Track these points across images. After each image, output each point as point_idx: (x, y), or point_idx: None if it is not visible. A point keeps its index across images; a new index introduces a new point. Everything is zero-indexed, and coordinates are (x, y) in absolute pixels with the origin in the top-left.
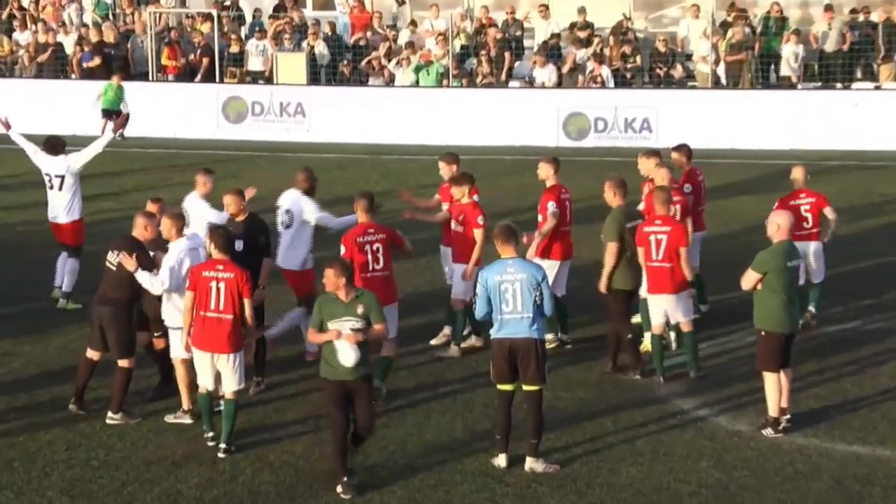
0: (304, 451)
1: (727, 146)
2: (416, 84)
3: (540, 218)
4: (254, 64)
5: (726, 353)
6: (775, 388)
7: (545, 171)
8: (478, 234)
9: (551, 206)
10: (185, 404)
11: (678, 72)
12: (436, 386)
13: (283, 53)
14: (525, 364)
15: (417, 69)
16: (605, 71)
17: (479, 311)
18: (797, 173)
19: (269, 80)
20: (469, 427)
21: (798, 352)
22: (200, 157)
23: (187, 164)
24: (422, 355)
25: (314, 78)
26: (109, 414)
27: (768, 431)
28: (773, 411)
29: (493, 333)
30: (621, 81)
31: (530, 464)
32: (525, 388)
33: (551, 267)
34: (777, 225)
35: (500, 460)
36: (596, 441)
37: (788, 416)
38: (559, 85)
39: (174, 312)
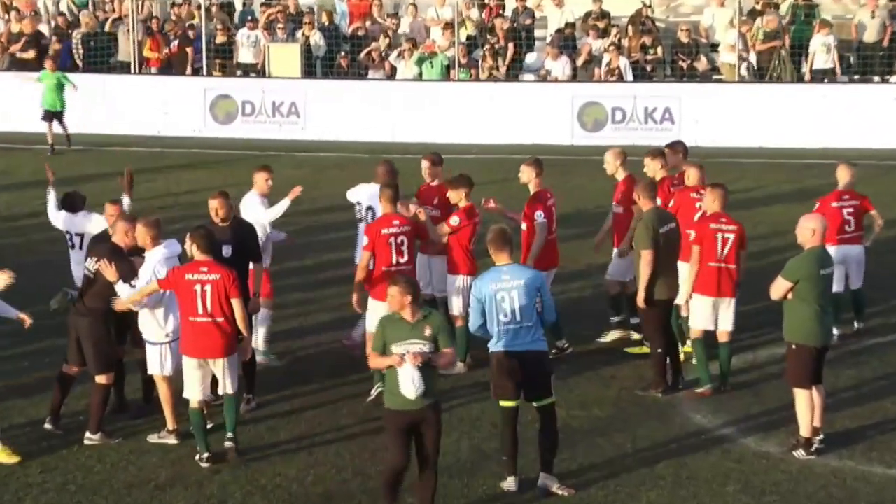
0: (297, 475)
1: (755, 144)
2: (420, 77)
3: (524, 226)
4: (244, 56)
5: (754, 368)
6: (807, 405)
7: (527, 175)
8: (444, 229)
9: (539, 216)
10: (170, 423)
11: (702, 64)
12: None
13: (275, 44)
14: (532, 378)
15: (420, 61)
16: (624, 62)
17: (473, 323)
18: (843, 172)
19: (261, 72)
20: (476, 447)
21: (832, 366)
22: (186, 155)
23: (173, 164)
24: None
25: (309, 71)
26: (87, 434)
27: (800, 453)
28: (804, 431)
29: (492, 346)
30: (641, 74)
31: (544, 479)
32: (536, 404)
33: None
34: (811, 230)
35: (510, 483)
36: (613, 463)
37: (822, 437)
38: (574, 78)
39: (152, 326)
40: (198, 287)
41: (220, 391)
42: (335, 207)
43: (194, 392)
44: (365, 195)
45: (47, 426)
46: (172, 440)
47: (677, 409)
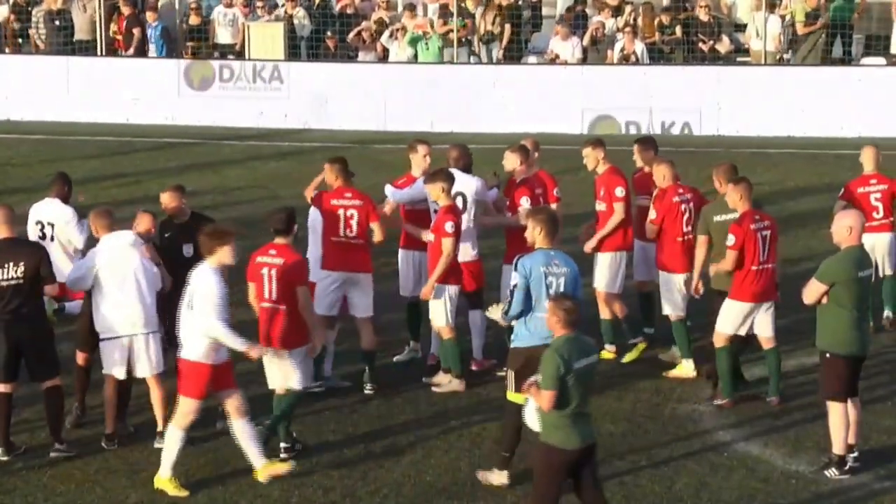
0: (281, 495)
1: (782, 133)
2: (415, 59)
3: (509, 215)
4: (222, 36)
5: (782, 379)
6: (842, 420)
7: (512, 162)
8: (446, 244)
9: (525, 201)
10: (110, 427)
11: (725, 45)
12: (437, 419)
13: (256, 23)
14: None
15: (414, 41)
16: (640, 47)
17: (515, 309)
18: (867, 155)
19: (239, 54)
20: (476, 467)
21: (867, 376)
22: (158, 144)
23: (143, 153)
24: (421, 383)
25: (293, 52)
26: (56, 446)
27: (832, 472)
28: (838, 448)
29: (521, 341)
30: (657, 56)
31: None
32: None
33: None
34: (848, 228)
35: (503, 478)
36: (627, 483)
37: (856, 454)
38: (584, 61)
39: (104, 320)
40: (265, 271)
41: (284, 384)
42: None
43: (274, 380)
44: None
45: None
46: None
47: (697, 423)
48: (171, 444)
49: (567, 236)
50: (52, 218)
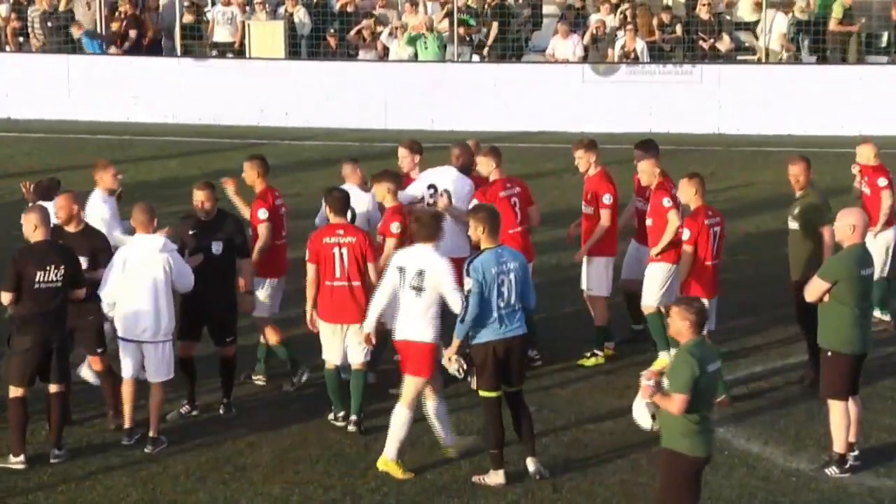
0: (281, 493)
1: (782, 131)
2: (416, 58)
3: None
4: (221, 34)
5: (782, 377)
6: (842, 418)
7: (486, 166)
8: (389, 244)
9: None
10: (128, 422)
11: (725, 44)
12: None
13: (255, 21)
14: (516, 364)
15: (412, 40)
16: (641, 45)
17: (472, 312)
18: (861, 150)
19: (239, 53)
20: (477, 465)
21: (867, 373)
22: (157, 144)
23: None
24: None
25: (294, 51)
26: (55, 451)
27: (833, 470)
28: (839, 446)
29: (481, 337)
30: (658, 55)
31: (533, 464)
32: (510, 390)
33: None
34: (851, 226)
35: (499, 477)
36: (628, 481)
37: (857, 453)
38: (584, 59)
39: (121, 320)
40: (336, 250)
41: (350, 361)
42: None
43: (333, 355)
44: (443, 179)
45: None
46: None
47: None
48: (399, 424)
49: (560, 236)
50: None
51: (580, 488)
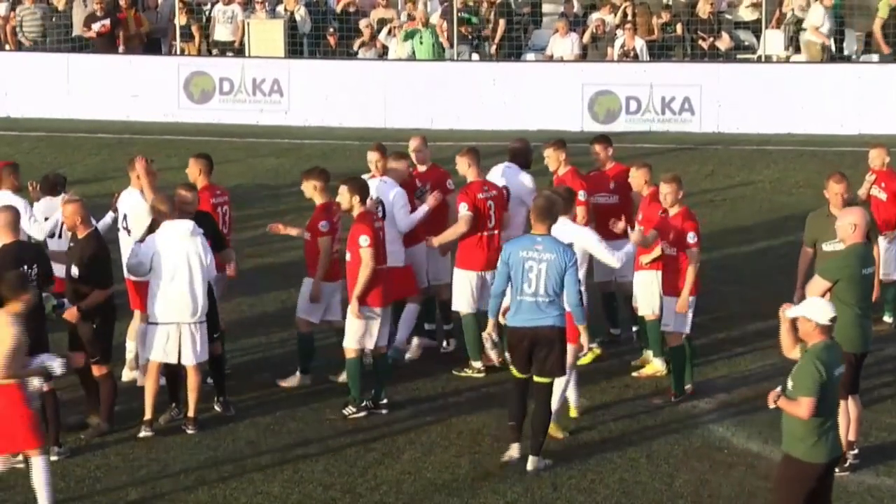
0: (281, 493)
1: (782, 130)
2: (413, 56)
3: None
4: (221, 33)
5: (782, 376)
6: (842, 417)
7: (463, 166)
8: (323, 242)
9: (463, 208)
10: (148, 413)
11: (725, 42)
12: (437, 415)
13: (255, 20)
14: (543, 354)
15: (407, 37)
16: (640, 43)
17: (497, 287)
18: (874, 154)
19: (239, 51)
20: (477, 463)
21: (867, 373)
22: (158, 142)
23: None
24: (421, 377)
25: (294, 49)
26: (55, 449)
27: None
28: None
29: (512, 321)
30: (658, 54)
31: (533, 463)
32: (537, 379)
33: (467, 277)
34: (852, 225)
35: (513, 451)
36: (627, 480)
37: (856, 451)
38: (584, 58)
39: (154, 305)
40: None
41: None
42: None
43: (370, 340)
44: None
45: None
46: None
47: (697, 420)
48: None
49: None
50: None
51: (580, 486)
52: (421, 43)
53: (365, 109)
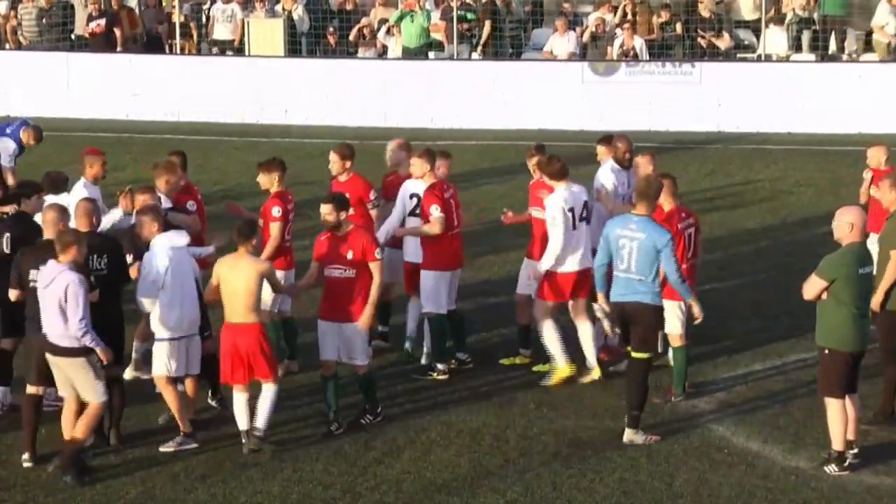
0: (280, 492)
1: (782, 129)
2: (412, 54)
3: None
4: (220, 32)
5: (782, 375)
6: (840, 416)
7: (420, 168)
8: (274, 228)
9: (435, 210)
10: (183, 426)
11: (725, 41)
12: (437, 415)
13: (255, 19)
14: (634, 329)
15: (400, 18)
16: (639, 42)
17: (599, 260)
18: (872, 153)
19: (238, 50)
20: (477, 462)
21: (866, 371)
22: (156, 141)
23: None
24: (421, 379)
25: (293, 49)
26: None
27: (832, 468)
28: (837, 444)
29: (611, 296)
30: (658, 53)
31: (630, 435)
32: (632, 354)
33: (435, 278)
34: (850, 224)
35: (638, 437)
36: (627, 479)
37: (856, 451)
38: (583, 57)
39: (166, 320)
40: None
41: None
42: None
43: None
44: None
45: (27, 465)
46: (193, 444)
47: (697, 419)
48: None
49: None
50: None
51: (580, 486)
52: (412, 21)
53: (365, 109)
